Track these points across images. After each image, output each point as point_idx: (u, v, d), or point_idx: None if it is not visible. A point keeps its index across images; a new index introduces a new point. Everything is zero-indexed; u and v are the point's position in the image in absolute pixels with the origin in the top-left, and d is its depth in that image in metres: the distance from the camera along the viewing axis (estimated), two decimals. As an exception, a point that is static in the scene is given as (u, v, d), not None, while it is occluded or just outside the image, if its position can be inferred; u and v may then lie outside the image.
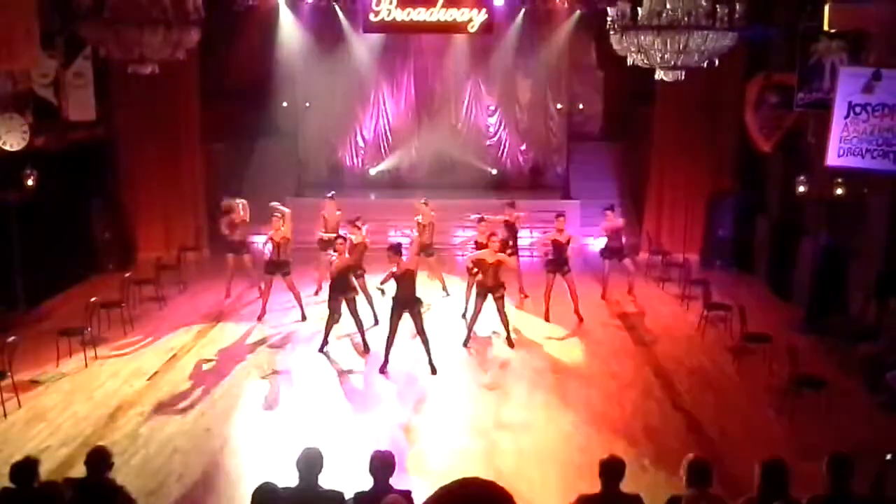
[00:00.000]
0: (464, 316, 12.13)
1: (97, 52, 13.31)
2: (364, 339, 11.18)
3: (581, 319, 12.51)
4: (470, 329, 11.50)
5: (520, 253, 13.90)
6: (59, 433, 8.62)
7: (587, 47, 19.23)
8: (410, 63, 19.52)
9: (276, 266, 12.34)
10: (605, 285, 13.85)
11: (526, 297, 13.56)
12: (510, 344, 11.37)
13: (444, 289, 13.73)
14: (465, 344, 11.42)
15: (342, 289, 11.05)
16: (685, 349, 11.54)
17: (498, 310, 11.31)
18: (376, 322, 11.93)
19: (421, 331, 10.43)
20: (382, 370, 10.41)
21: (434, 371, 10.39)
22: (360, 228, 12.33)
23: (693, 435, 8.79)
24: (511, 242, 12.95)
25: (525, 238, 14.22)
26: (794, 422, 9.01)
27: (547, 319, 12.53)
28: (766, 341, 10.81)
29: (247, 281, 13.65)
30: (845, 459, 5.19)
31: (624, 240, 13.97)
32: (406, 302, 10.39)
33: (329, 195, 14.02)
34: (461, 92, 19.65)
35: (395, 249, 10.44)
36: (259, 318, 12.47)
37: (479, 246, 12.00)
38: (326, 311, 11.22)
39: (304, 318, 12.46)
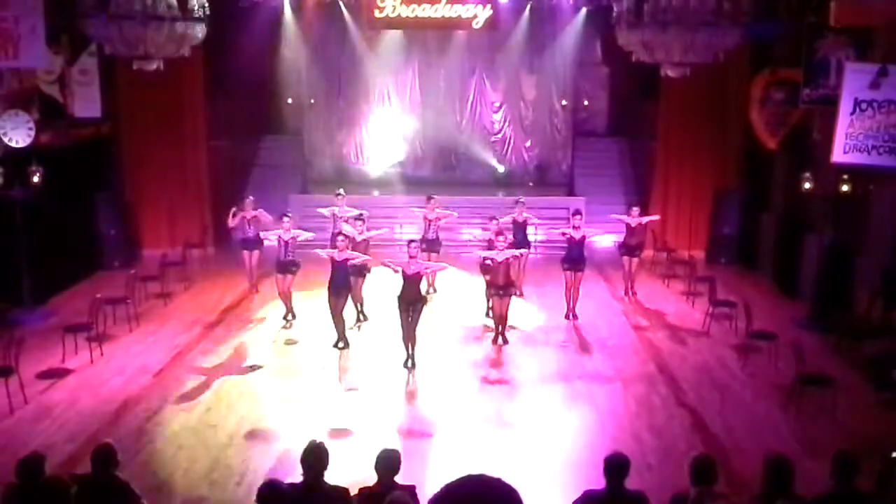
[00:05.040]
0: (487, 315, 12.15)
1: (102, 49, 13.37)
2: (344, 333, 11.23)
3: (575, 317, 12.49)
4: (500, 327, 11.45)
5: (529, 251, 13.86)
6: (64, 429, 8.63)
7: (592, 43, 19.18)
8: (415, 60, 19.50)
9: (284, 266, 12.31)
10: (627, 281, 13.74)
11: (520, 295, 13.41)
12: (504, 341, 11.35)
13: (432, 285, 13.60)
14: (496, 341, 11.38)
15: (345, 286, 11.10)
16: (690, 346, 11.53)
17: (503, 307, 11.31)
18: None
19: (414, 328, 10.47)
20: (406, 365, 10.45)
21: (413, 365, 10.42)
22: (362, 223, 12.48)
23: (698, 432, 8.77)
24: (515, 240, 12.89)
25: (530, 235, 14.13)
26: (799, 419, 9.00)
27: (568, 317, 12.46)
28: (772, 338, 10.79)
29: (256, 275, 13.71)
30: (850, 457, 5.19)
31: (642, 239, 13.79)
32: (410, 300, 10.45)
33: (339, 192, 13.98)
34: (466, 89, 19.63)
35: (414, 245, 10.70)
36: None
37: (490, 246, 11.94)
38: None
39: (293, 316, 12.33)
